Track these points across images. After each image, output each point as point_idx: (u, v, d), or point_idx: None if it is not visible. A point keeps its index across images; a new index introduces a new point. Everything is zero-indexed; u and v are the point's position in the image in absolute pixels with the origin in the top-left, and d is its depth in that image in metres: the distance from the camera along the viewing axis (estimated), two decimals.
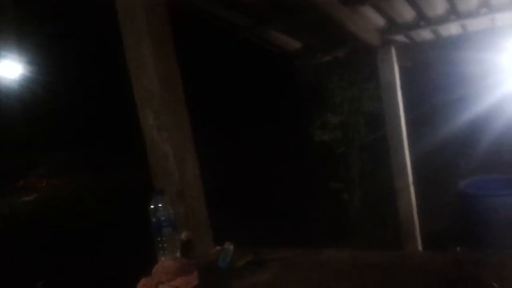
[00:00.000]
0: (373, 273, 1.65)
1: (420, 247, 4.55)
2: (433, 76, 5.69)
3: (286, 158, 6.43)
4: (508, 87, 4.28)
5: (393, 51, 4.28)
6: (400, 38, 4.31)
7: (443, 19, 3.94)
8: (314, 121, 6.30)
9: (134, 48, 1.69)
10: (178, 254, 1.75)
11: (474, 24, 4.19)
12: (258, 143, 6.42)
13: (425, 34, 4.40)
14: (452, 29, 4.32)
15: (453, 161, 6.10)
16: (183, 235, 1.75)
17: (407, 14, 3.84)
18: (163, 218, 1.74)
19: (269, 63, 5.72)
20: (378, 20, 3.95)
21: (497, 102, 4.67)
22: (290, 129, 6.43)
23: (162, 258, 1.73)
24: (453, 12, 3.84)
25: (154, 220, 1.75)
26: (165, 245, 1.75)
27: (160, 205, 1.75)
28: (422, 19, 3.95)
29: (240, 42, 3.86)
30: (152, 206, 1.75)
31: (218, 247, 1.99)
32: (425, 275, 1.57)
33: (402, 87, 4.45)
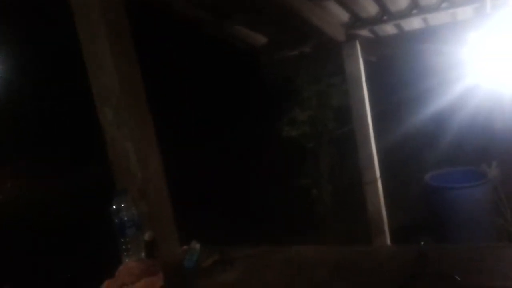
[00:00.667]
0: (339, 269, 1.65)
1: (388, 241, 4.62)
2: (398, 70, 5.79)
3: (253, 154, 6.40)
4: (469, 80, 4.38)
5: (358, 46, 4.32)
6: (365, 32, 4.36)
7: (406, 14, 4.00)
8: (282, 117, 6.31)
9: (91, 43, 1.62)
10: (142, 255, 1.70)
11: (436, 18, 4.28)
12: (224, 140, 6.38)
13: (389, 28, 4.47)
14: (414, 23, 4.40)
15: (419, 154, 6.22)
16: (147, 235, 1.70)
17: (371, 8, 3.88)
18: (126, 218, 1.69)
19: (234, 59, 5.67)
20: (343, 15, 3.98)
21: (459, 94, 4.78)
22: (257, 125, 6.41)
23: (126, 260, 1.68)
24: (415, 7, 3.91)
25: (117, 220, 1.69)
26: (129, 246, 1.69)
27: (122, 205, 1.69)
28: (386, 14, 4.01)
29: (205, 37, 3.81)
30: (114, 206, 1.69)
31: (184, 247, 1.95)
32: (390, 270, 1.57)
33: (368, 82, 4.50)
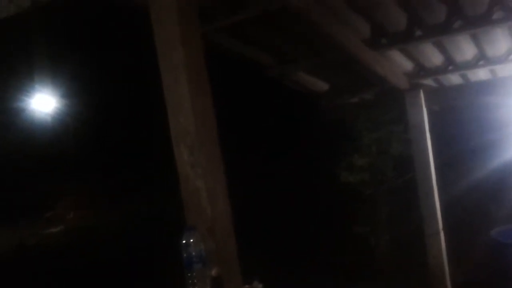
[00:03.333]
0: None
1: None
2: (462, 121, 5.65)
3: (312, 198, 6.38)
4: None
5: (422, 95, 4.30)
6: (429, 82, 4.34)
7: (472, 64, 3.95)
8: (341, 162, 6.28)
9: (172, 85, 1.75)
10: None
11: (504, 70, 4.19)
12: (285, 183, 6.42)
13: (454, 78, 4.41)
14: (481, 74, 4.33)
15: (484, 207, 5.94)
16: (214, 272, 1.75)
17: (436, 59, 3.88)
18: (193, 253, 1.75)
19: (297, 103, 5.80)
20: (406, 64, 4.00)
21: None
22: (316, 169, 6.42)
23: None
24: (482, 58, 3.86)
25: (185, 255, 1.76)
26: (195, 281, 1.75)
27: (191, 240, 1.76)
28: (451, 64, 3.98)
29: (269, 81, 3.94)
30: (184, 241, 1.76)
31: (247, 286, 1.97)
32: None
33: (431, 131, 4.44)
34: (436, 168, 4.49)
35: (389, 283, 5.57)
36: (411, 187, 4.61)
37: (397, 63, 3.93)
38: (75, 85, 12.61)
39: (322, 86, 4.50)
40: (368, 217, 6.30)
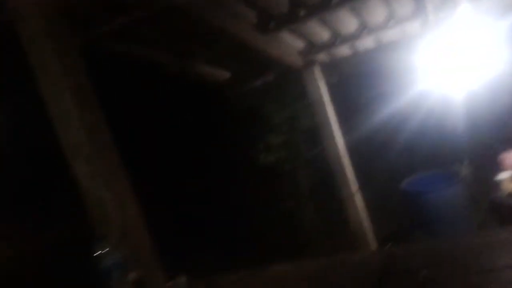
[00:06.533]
0: (316, 279, 1.75)
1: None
2: (358, 86, 6.02)
3: (235, 185, 6.49)
4: (423, 84, 4.60)
5: (317, 70, 4.52)
6: (322, 57, 4.57)
7: (357, 35, 4.23)
8: (257, 145, 6.44)
9: (55, 100, 1.72)
10: None
11: (386, 36, 4.52)
12: (202, 173, 6.46)
13: (344, 50, 4.68)
14: (368, 43, 4.63)
15: (390, 161, 6.34)
16: (131, 276, 1.77)
17: (324, 34, 4.10)
18: (108, 263, 1.76)
19: (201, 95, 5.82)
20: (298, 43, 4.19)
21: (417, 98, 4.99)
22: (235, 156, 6.53)
23: None
24: (364, 27, 4.14)
25: (102, 266, 1.76)
26: None
27: (104, 251, 1.76)
28: (338, 37, 4.23)
29: (168, 77, 3.93)
30: (97, 253, 1.76)
31: (171, 282, 2.01)
32: (360, 273, 1.68)
33: (332, 101, 4.70)
34: (343, 134, 4.77)
35: (318, 249, 5.86)
36: (324, 157, 4.85)
37: (289, 44, 4.11)
38: None
39: (223, 75, 4.57)
40: (291, 192, 6.56)
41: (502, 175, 3.80)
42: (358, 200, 4.87)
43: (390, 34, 4.47)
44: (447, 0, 3.82)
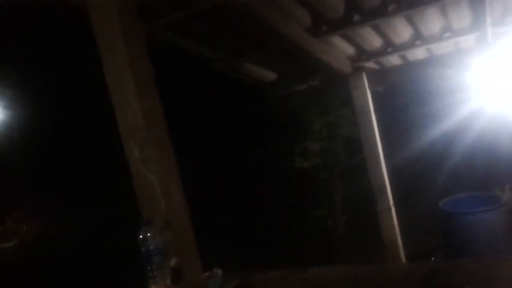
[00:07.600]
0: (356, 286, 1.72)
1: None
2: (405, 97, 5.90)
3: (268, 187, 6.50)
4: (474, 103, 4.48)
5: (365, 77, 4.46)
6: (371, 64, 4.51)
7: (410, 45, 4.15)
8: (294, 149, 6.42)
9: (117, 84, 1.77)
10: (168, 281, 1.79)
11: (438, 48, 4.42)
12: (240, 175, 6.51)
13: (394, 59, 4.61)
14: (418, 53, 4.54)
15: (431, 180, 6.23)
16: (172, 262, 1.79)
17: (375, 41, 4.05)
18: (152, 247, 1.79)
19: (245, 94, 5.86)
20: (348, 49, 4.15)
21: (465, 118, 4.86)
22: (271, 158, 6.54)
23: (153, 286, 1.77)
24: (418, 38, 4.07)
25: (143, 249, 1.79)
26: (156, 273, 1.79)
27: (148, 234, 1.79)
28: (390, 46, 4.16)
29: (216, 74, 3.98)
30: (141, 236, 1.79)
31: (207, 273, 2.03)
32: (404, 284, 1.64)
33: (376, 111, 4.62)
34: (384, 146, 4.68)
35: (347, 261, 5.78)
36: (362, 168, 4.79)
37: (339, 49, 4.07)
38: (18, 95, 12.12)
39: (270, 76, 4.59)
40: (324, 200, 6.49)
41: None
42: (393, 216, 4.77)
43: (443, 46, 4.38)
44: (507, 14, 3.70)
